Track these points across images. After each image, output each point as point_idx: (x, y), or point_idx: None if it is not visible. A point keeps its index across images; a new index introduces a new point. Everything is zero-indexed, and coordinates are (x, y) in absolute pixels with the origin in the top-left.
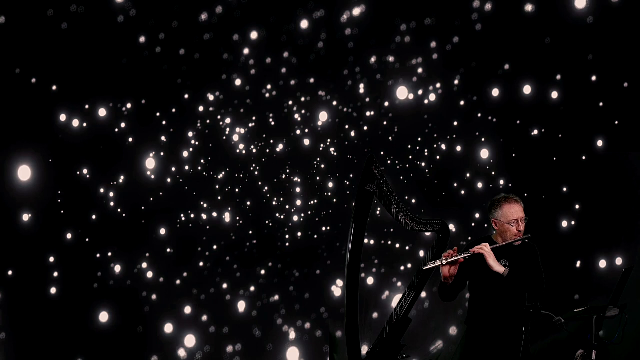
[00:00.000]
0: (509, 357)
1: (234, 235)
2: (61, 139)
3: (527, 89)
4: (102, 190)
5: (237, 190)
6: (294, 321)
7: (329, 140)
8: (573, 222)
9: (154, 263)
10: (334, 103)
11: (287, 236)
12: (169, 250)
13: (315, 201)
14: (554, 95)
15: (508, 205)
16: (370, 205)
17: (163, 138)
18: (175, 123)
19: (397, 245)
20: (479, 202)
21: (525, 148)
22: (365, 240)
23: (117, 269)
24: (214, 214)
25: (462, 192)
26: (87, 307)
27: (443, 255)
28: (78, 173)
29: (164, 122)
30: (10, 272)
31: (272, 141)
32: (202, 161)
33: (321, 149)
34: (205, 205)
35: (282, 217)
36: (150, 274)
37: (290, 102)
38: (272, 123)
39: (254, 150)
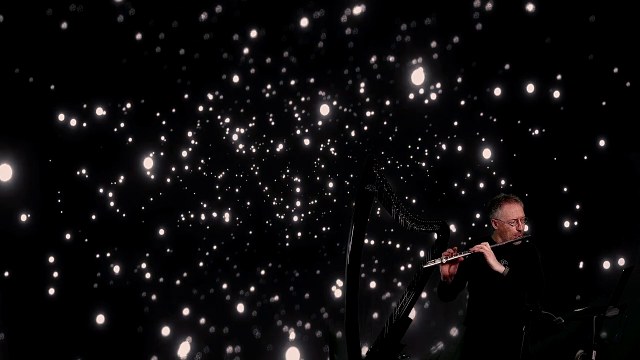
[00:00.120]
0: (509, 357)
1: (233, 235)
2: (61, 138)
3: (527, 89)
4: (101, 190)
5: (237, 190)
6: (294, 321)
7: (329, 140)
8: (575, 223)
9: (154, 263)
10: (334, 103)
11: (287, 236)
12: (168, 250)
13: (315, 201)
14: (555, 95)
15: (508, 205)
16: (370, 205)
17: (163, 138)
18: (175, 123)
19: (397, 246)
20: (479, 202)
21: (525, 148)
22: (365, 240)
23: (117, 269)
24: (214, 214)
25: (463, 192)
26: (87, 307)
27: (443, 254)
28: (78, 173)
29: (163, 122)
30: (9, 273)
31: (272, 141)
32: (202, 161)
33: (321, 149)
34: (205, 205)
35: (282, 217)
36: (150, 274)
37: (290, 102)
38: (272, 123)
39: (254, 150)
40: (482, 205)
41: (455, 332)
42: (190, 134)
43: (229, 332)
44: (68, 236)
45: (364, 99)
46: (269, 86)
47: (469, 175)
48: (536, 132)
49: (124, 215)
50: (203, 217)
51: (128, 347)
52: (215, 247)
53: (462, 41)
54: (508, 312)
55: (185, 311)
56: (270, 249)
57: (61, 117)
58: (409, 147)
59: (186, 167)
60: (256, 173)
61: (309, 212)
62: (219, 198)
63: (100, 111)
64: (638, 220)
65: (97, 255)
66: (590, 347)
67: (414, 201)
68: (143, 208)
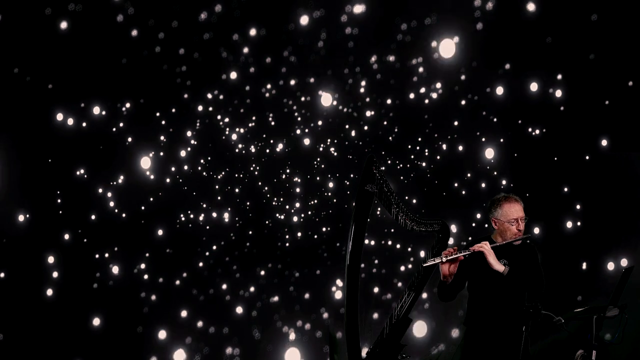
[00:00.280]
0: (509, 357)
1: (233, 235)
2: (60, 138)
3: (528, 89)
4: (100, 190)
5: (237, 190)
6: (294, 322)
7: (329, 140)
8: (578, 224)
9: (154, 263)
10: (334, 103)
11: (287, 236)
12: (168, 250)
13: (315, 201)
14: (556, 94)
15: (508, 205)
16: (370, 205)
17: (162, 138)
18: (174, 123)
19: (398, 246)
20: (480, 202)
21: (526, 148)
22: (366, 241)
23: (116, 269)
24: (214, 214)
25: (463, 192)
26: (86, 308)
27: (443, 253)
28: (77, 173)
29: (163, 122)
30: (8, 273)
31: (272, 141)
32: (202, 161)
33: (321, 149)
34: (205, 205)
35: (282, 217)
36: (149, 275)
37: (290, 102)
38: (272, 123)
39: (254, 150)
40: (482, 205)
41: (456, 332)
42: (189, 133)
43: (228, 333)
44: (67, 236)
45: (364, 98)
46: (268, 86)
47: (469, 175)
48: (537, 131)
49: (123, 215)
50: (203, 217)
51: (127, 347)
52: (215, 247)
53: (462, 41)
54: (508, 312)
55: (185, 312)
56: (270, 249)
57: (61, 117)
58: (409, 147)
59: (186, 167)
60: (256, 173)
61: (309, 212)
62: (219, 198)
63: (100, 111)
64: (638, 220)
65: (97, 256)
66: (590, 347)
67: (414, 201)
68: (143, 208)
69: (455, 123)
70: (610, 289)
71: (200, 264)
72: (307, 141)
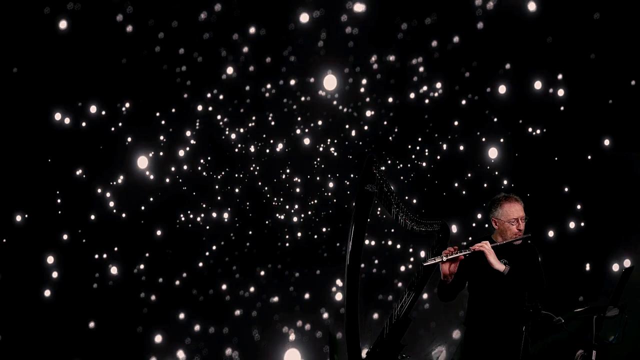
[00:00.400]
0: (509, 357)
1: (233, 235)
2: (59, 138)
3: (528, 88)
4: (100, 190)
5: (237, 190)
6: (294, 322)
7: (329, 140)
8: (581, 224)
9: (153, 264)
10: (334, 103)
11: (287, 236)
12: (168, 250)
13: (315, 201)
14: (557, 94)
15: (508, 204)
16: (370, 205)
17: (162, 137)
18: (174, 122)
19: (398, 246)
20: (480, 202)
21: (527, 148)
22: (366, 241)
23: (116, 269)
24: (214, 214)
25: (463, 192)
26: (86, 308)
27: (443, 252)
28: (77, 173)
29: (163, 122)
30: (7, 273)
31: (272, 141)
32: (202, 161)
33: (321, 149)
34: (204, 205)
35: (282, 217)
36: (149, 275)
37: (290, 102)
38: (272, 123)
39: (254, 150)
40: (483, 205)
41: (456, 332)
42: (189, 133)
43: (228, 333)
44: (66, 236)
45: (364, 98)
46: (268, 85)
47: (469, 175)
48: (537, 131)
49: (123, 215)
50: (203, 217)
51: (127, 348)
52: (214, 248)
53: (462, 40)
54: (508, 312)
55: (185, 312)
56: (270, 249)
57: (61, 117)
58: (409, 147)
59: (185, 167)
60: (256, 173)
61: (309, 212)
62: (219, 198)
63: (99, 111)
64: (638, 221)
65: (96, 256)
66: (590, 347)
67: (414, 201)
68: (142, 208)
69: (456, 123)
70: (612, 290)
71: (200, 264)
72: (307, 141)
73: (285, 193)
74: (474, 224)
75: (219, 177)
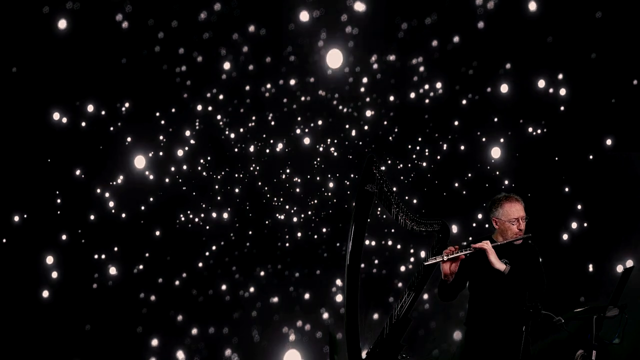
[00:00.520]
0: (509, 357)
1: (233, 235)
2: (59, 138)
3: (529, 88)
4: (99, 190)
5: (237, 190)
6: (294, 322)
7: (329, 140)
8: (577, 224)
9: (153, 264)
10: (334, 103)
11: (287, 236)
12: (167, 251)
13: (315, 201)
14: (557, 94)
15: (509, 204)
16: (370, 205)
17: (162, 137)
18: (174, 122)
19: (398, 246)
20: (481, 202)
21: (527, 148)
22: (366, 241)
23: (115, 270)
24: (214, 214)
25: (464, 192)
26: (85, 308)
27: (444, 251)
28: (76, 173)
29: (162, 122)
30: (6, 274)
31: (272, 141)
32: (202, 161)
33: (321, 149)
34: (204, 205)
35: (282, 217)
36: (148, 275)
37: (290, 102)
38: (272, 122)
39: (254, 150)
40: (483, 205)
41: (457, 333)
42: (189, 133)
43: (228, 333)
44: (65, 237)
45: (365, 98)
46: (268, 85)
47: (470, 175)
48: (538, 131)
49: (122, 215)
50: (202, 217)
51: (126, 348)
52: (214, 248)
53: (462, 40)
54: (508, 312)
55: (185, 312)
56: (270, 249)
57: (60, 117)
58: (409, 147)
59: (185, 167)
60: (256, 173)
61: (309, 212)
62: (219, 198)
63: (99, 111)
64: (639, 220)
65: (96, 256)
66: (590, 347)
67: (414, 201)
68: (142, 208)
69: (456, 123)
70: (612, 290)
71: (200, 264)
72: (307, 141)
73: (285, 193)
74: (474, 224)
75: (218, 177)
